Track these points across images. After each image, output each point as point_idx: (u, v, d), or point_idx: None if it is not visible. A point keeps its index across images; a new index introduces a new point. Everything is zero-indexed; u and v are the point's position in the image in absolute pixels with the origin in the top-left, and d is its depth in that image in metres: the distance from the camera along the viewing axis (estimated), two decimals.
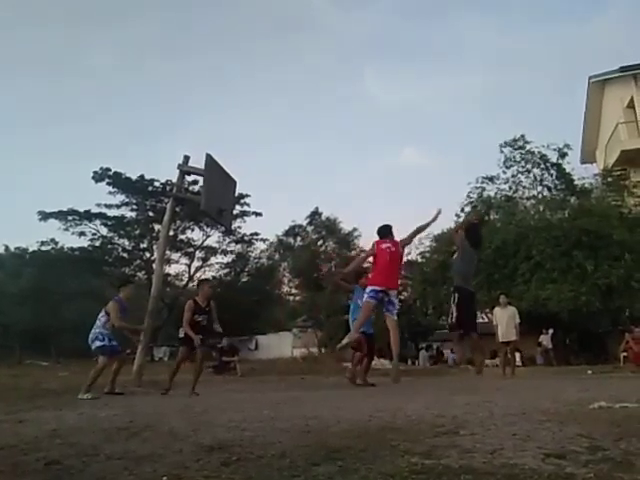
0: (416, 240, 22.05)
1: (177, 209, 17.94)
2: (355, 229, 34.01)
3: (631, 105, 20.52)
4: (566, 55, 73.86)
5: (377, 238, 7.33)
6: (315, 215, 33.62)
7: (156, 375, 10.40)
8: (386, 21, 72.82)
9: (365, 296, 6.96)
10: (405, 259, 29.90)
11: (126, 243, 32.00)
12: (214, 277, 34.31)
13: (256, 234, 33.68)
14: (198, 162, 9.63)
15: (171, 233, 24.37)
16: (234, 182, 10.64)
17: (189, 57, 76.08)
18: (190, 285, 34.67)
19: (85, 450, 2.57)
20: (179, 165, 9.67)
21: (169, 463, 2.25)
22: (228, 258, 34.59)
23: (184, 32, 75.21)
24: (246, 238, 33.75)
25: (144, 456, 2.38)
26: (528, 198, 20.18)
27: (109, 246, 31.90)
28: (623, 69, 20.35)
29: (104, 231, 31.13)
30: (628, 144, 20.27)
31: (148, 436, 3.00)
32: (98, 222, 30.70)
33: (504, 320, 10.60)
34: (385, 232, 7.35)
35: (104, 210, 30.32)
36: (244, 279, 35.82)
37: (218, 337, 14.91)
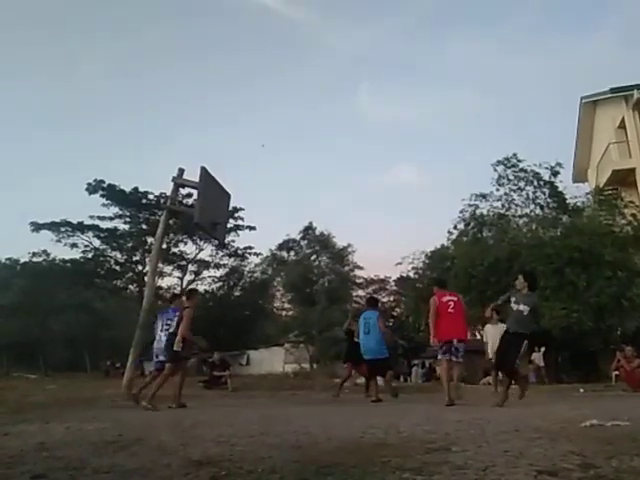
0: (410, 256, 22.31)
1: (170, 222, 17.91)
2: (349, 245, 34.10)
3: (622, 125, 20.80)
4: (559, 75, 75.04)
5: (437, 288, 7.75)
6: (309, 230, 33.67)
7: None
8: (381, 39, 73.79)
9: (439, 355, 7.36)
10: (398, 275, 29.78)
11: (118, 255, 31.82)
12: (206, 291, 34.16)
13: (249, 248, 33.64)
14: (193, 175, 9.65)
15: (164, 246, 24.29)
16: (228, 195, 10.65)
17: (185, 70, 76.66)
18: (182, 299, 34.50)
19: (72, 463, 2.53)
20: (173, 178, 9.68)
21: (157, 477, 2.22)
22: (221, 272, 34.50)
23: (180, 46, 75.85)
24: (239, 252, 33.68)
25: (132, 470, 2.35)
26: (521, 216, 20.26)
27: (101, 258, 31.69)
28: (614, 90, 20.65)
29: (97, 243, 30.97)
30: (619, 164, 20.51)
31: (137, 450, 2.96)
32: (91, 234, 30.54)
33: (495, 337, 10.57)
34: (444, 284, 8.07)
35: (97, 222, 30.18)
36: (237, 293, 35.68)
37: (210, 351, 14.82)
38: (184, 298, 8.00)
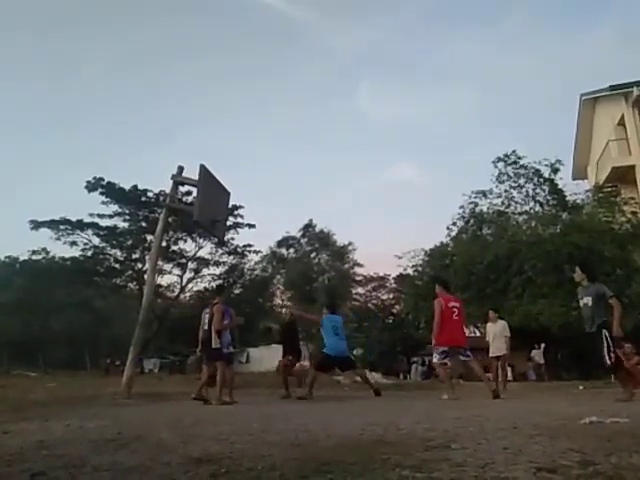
0: (410, 253, 22.37)
1: (170, 220, 17.88)
2: (350, 243, 34.10)
3: (622, 123, 20.79)
4: (559, 72, 74.97)
5: (442, 289, 7.83)
6: (309, 227, 33.67)
7: (145, 387, 10.31)
8: (381, 38, 73.70)
9: (436, 358, 7.57)
10: (398, 272, 29.84)
11: (118, 253, 31.77)
12: (206, 289, 34.15)
13: (249, 246, 33.60)
14: (192, 173, 9.62)
15: (163, 244, 24.25)
16: (228, 193, 10.62)
17: (185, 68, 76.54)
18: (182, 296, 34.50)
19: (72, 461, 2.53)
20: (173, 175, 9.64)
21: (157, 475, 2.22)
22: (221, 269, 34.43)
23: (180, 44, 75.73)
24: (239, 250, 33.63)
25: (132, 468, 2.35)
26: (520, 213, 20.29)
27: (101, 256, 31.63)
28: (613, 87, 20.64)
29: (96, 241, 30.90)
30: (619, 161, 20.52)
31: (136, 448, 2.96)
32: (90, 232, 30.47)
33: (495, 334, 10.62)
34: (449, 286, 8.19)
35: (96, 220, 30.12)
36: (237, 291, 35.65)
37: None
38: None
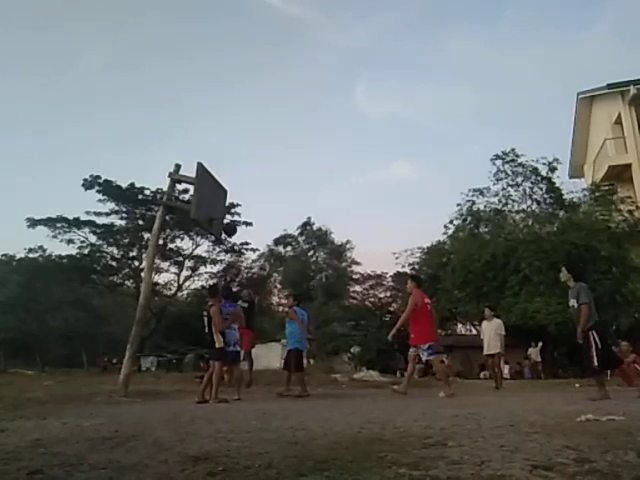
0: (407, 252, 22.48)
1: (167, 218, 17.82)
2: (348, 241, 34.16)
3: (619, 121, 20.80)
4: (557, 70, 75.06)
5: (415, 286, 7.96)
6: (307, 225, 33.69)
7: (142, 385, 10.30)
8: (380, 35, 73.62)
9: (427, 354, 7.67)
10: (395, 270, 29.89)
11: (115, 251, 31.69)
12: (203, 287, 34.09)
13: (246, 244, 33.54)
14: (189, 171, 9.59)
15: (160, 242, 24.19)
16: (225, 191, 10.59)
17: (182, 65, 76.33)
18: (179, 294, 34.42)
19: (69, 460, 2.53)
20: (170, 173, 9.61)
21: (154, 473, 2.22)
22: (218, 267, 34.37)
23: (179, 41, 75.52)
24: (236, 248, 33.57)
25: (129, 466, 2.35)
26: (517, 212, 20.28)
27: (98, 254, 31.54)
28: (610, 86, 20.64)
29: (93, 239, 30.78)
30: (616, 160, 20.53)
31: (133, 446, 2.96)
32: (87, 230, 30.36)
33: (490, 333, 10.66)
34: (422, 283, 8.55)
35: (93, 218, 29.97)
36: (234, 289, 35.57)
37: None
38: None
